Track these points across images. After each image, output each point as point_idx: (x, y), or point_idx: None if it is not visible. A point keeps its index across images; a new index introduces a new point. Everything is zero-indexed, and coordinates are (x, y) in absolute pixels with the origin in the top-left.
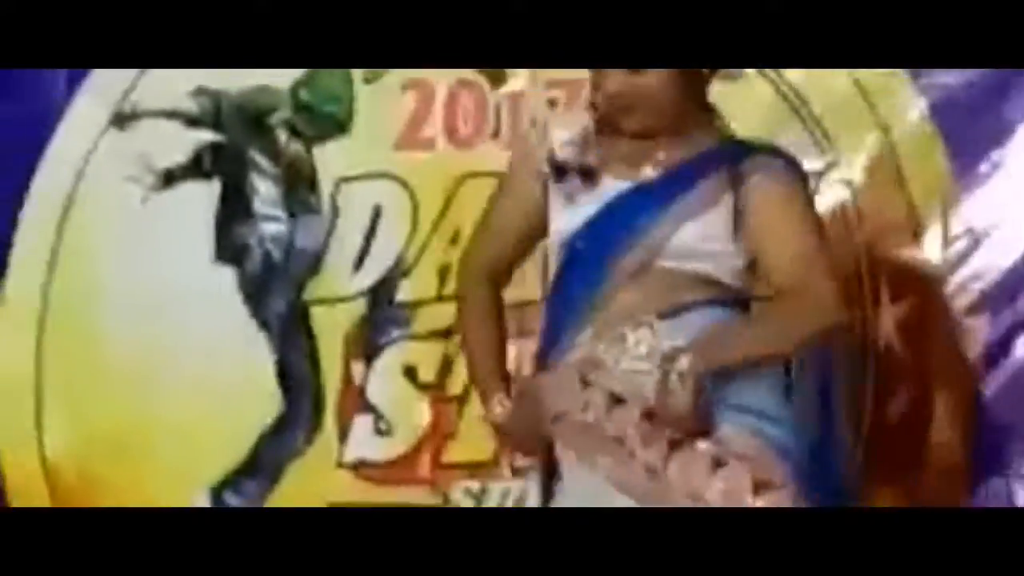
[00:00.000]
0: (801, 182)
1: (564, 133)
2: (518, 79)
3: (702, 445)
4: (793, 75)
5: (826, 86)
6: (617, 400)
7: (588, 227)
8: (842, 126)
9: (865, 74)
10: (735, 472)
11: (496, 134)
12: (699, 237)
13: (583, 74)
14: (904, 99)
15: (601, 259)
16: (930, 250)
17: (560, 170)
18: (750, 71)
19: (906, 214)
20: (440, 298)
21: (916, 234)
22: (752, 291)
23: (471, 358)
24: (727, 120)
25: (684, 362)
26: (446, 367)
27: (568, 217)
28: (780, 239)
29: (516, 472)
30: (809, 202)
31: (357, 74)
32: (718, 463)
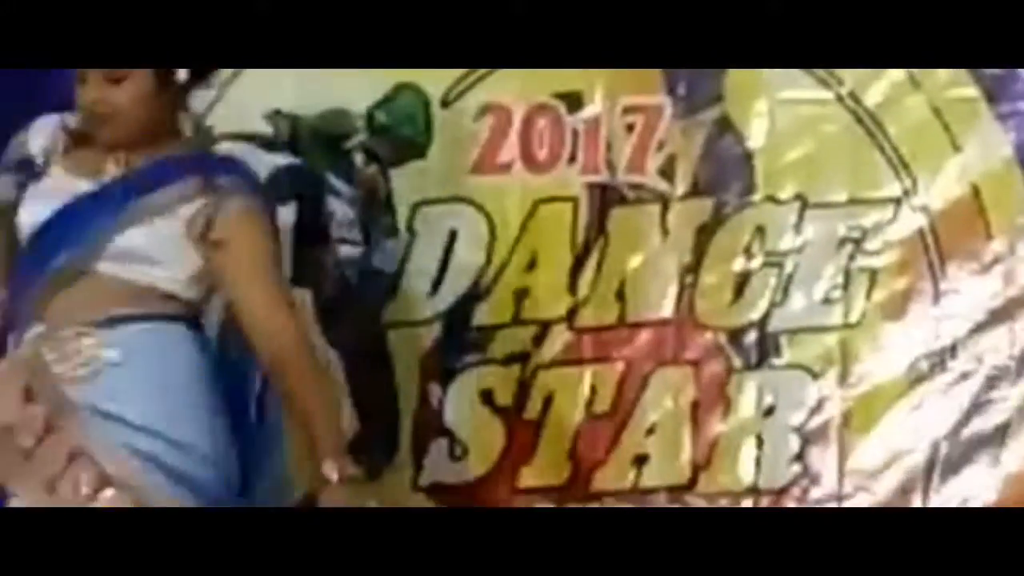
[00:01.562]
0: (271, 212)
1: (39, 136)
2: (595, 104)
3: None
4: (871, 100)
5: (904, 112)
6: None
7: (44, 227)
8: (920, 152)
9: (943, 100)
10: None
11: (573, 159)
12: (148, 242)
13: (660, 99)
14: (983, 125)
15: (48, 258)
16: (1008, 277)
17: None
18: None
19: (984, 241)
20: (516, 322)
21: (995, 261)
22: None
23: None
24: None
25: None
26: (523, 391)
27: (29, 213)
28: (248, 269)
29: (593, 496)
30: (276, 234)
31: (434, 97)
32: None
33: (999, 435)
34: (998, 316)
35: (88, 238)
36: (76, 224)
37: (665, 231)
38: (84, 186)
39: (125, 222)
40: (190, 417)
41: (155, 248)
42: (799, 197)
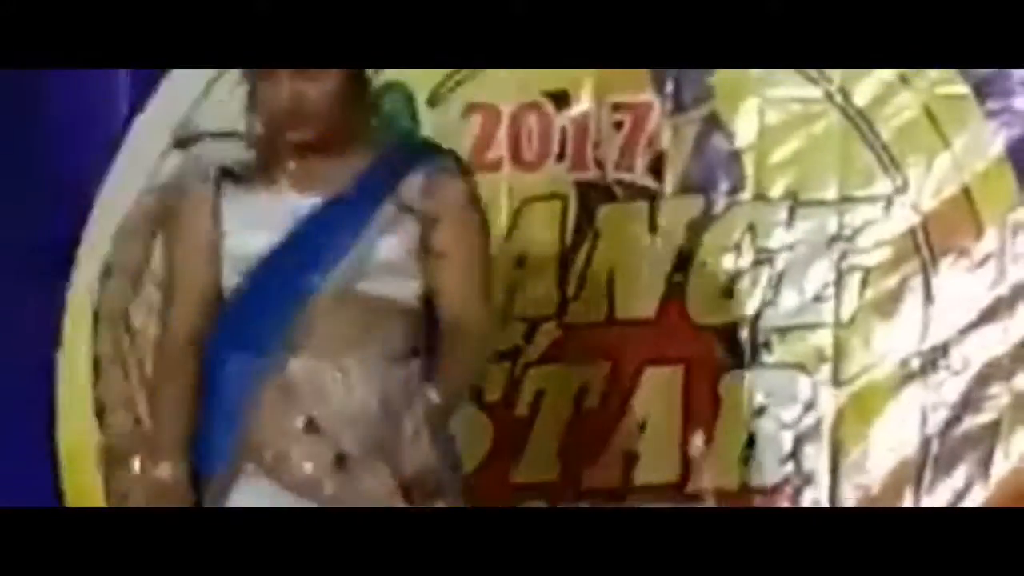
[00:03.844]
0: (472, 184)
1: (225, 147)
2: (583, 102)
3: None
4: (861, 98)
5: (894, 109)
6: (340, 460)
7: (282, 248)
8: (910, 150)
9: (933, 98)
10: None
11: (561, 157)
12: (398, 252)
13: (649, 97)
14: (973, 123)
15: (297, 281)
16: (999, 275)
17: (228, 178)
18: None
19: (975, 238)
20: (506, 319)
21: (986, 258)
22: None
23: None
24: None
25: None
26: (512, 388)
27: (247, 235)
28: (458, 259)
29: (583, 494)
30: (480, 207)
31: (421, 96)
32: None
33: (991, 433)
34: (989, 314)
35: (343, 254)
36: (323, 241)
37: (654, 229)
38: (307, 201)
39: (378, 232)
40: None
41: (403, 258)
42: (789, 195)
